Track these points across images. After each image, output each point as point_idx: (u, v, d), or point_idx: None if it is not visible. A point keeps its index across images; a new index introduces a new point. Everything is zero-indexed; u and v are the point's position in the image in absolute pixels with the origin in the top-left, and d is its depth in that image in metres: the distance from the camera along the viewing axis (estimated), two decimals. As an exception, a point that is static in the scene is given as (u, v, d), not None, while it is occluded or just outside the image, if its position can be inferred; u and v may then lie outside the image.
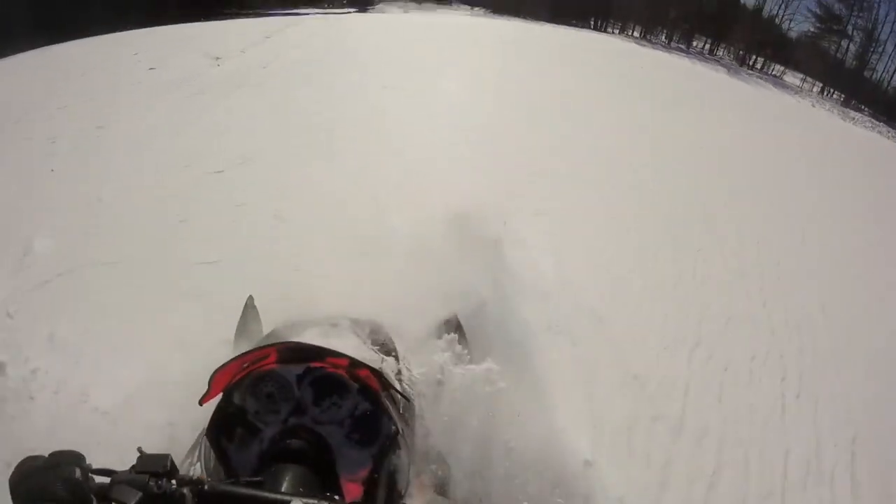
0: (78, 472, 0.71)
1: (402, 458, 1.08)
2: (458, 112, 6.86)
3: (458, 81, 8.60)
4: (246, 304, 1.84)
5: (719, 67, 22.20)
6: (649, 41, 24.40)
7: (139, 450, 0.77)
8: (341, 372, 1.08)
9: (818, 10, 24.77)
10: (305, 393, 1.08)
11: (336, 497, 0.81)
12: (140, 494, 0.71)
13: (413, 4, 24.61)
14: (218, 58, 9.05)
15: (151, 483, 0.73)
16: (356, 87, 7.75)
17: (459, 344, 1.75)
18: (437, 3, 24.50)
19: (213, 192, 4.30)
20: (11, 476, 0.72)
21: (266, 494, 0.79)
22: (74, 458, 0.73)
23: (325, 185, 3.90)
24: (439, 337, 1.77)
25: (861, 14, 24.51)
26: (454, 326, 1.91)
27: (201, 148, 5.19)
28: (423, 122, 6.31)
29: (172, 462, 0.77)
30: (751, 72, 24.07)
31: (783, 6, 24.59)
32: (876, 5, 23.57)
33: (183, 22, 12.77)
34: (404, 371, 1.36)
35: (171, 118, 6.06)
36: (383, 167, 4.53)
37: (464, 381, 1.52)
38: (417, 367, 1.50)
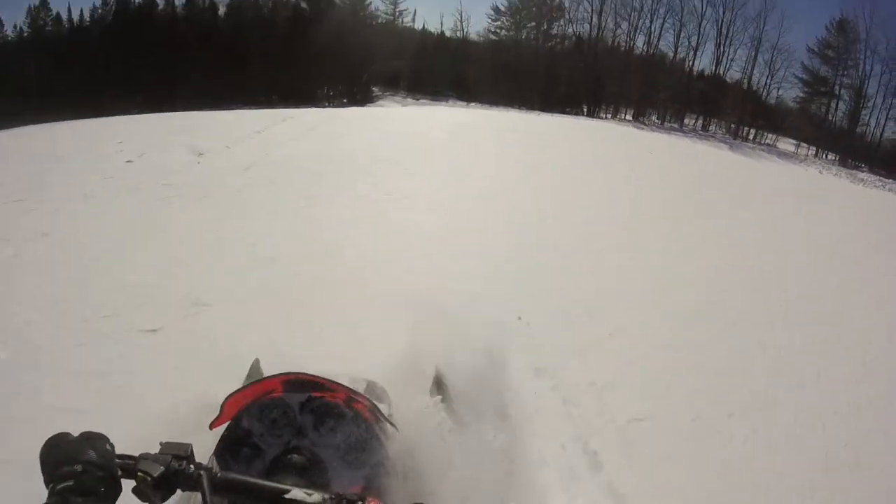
0: (108, 447, 0.76)
1: (390, 480, 1.17)
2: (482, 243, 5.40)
3: (472, 190, 7.56)
4: (252, 365, 1.77)
5: (720, 144, 22.44)
6: (643, 123, 24.93)
7: (161, 443, 0.84)
8: (339, 401, 1.20)
9: (804, 75, 25.65)
10: (306, 419, 1.18)
11: (333, 493, 0.85)
12: (163, 469, 0.79)
13: (410, 100, 25.49)
14: (201, 153, 8.36)
15: (174, 462, 0.81)
16: (350, 196, 6.58)
17: (443, 402, 1.75)
18: (433, 99, 25.39)
19: (132, 363, 2.92)
20: (42, 449, 0.75)
21: (270, 483, 0.88)
22: (102, 437, 0.78)
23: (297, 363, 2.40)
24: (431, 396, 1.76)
25: (846, 72, 25.12)
26: (437, 384, 1.92)
27: (141, 286, 3.85)
28: (441, 259, 4.69)
29: (192, 450, 0.84)
30: (750, 144, 24.31)
31: (769, 76, 25.47)
32: (861, 61, 24.10)
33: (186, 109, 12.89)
34: (395, 414, 1.43)
35: (123, 234, 4.86)
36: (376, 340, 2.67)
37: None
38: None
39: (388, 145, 10.21)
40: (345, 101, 26.87)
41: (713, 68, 25.96)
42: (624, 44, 26.44)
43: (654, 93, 25.19)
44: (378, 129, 12.49)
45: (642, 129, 22.85)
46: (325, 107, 25.46)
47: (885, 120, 24.52)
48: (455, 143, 11.64)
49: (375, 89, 26.85)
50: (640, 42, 26.55)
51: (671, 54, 26.21)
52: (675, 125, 25.09)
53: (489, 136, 13.33)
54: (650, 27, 26.25)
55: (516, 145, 12.50)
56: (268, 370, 1.57)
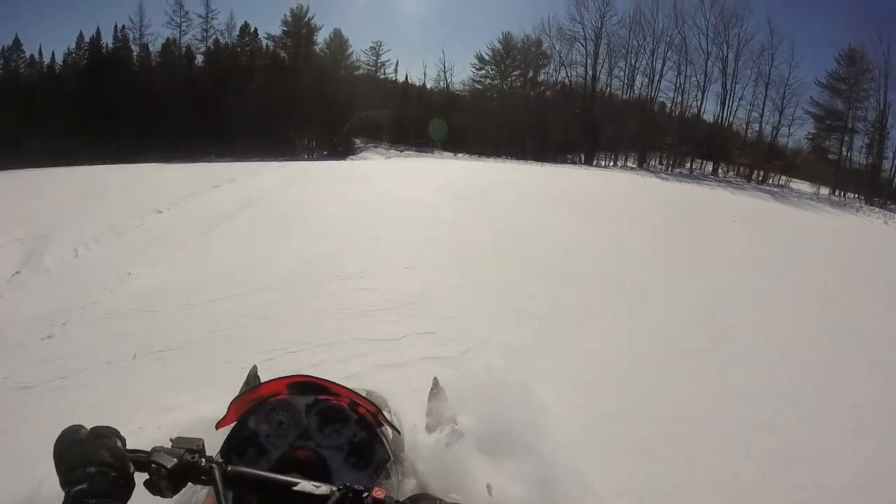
0: (119, 443, 0.77)
1: (391, 483, 1.19)
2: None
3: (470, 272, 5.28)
4: (250, 372, 1.73)
5: (744, 188, 20.82)
6: (649, 170, 23.13)
7: (172, 439, 0.85)
8: (344, 404, 1.20)
9: (815, 111, 23.99)
10: (312, 421, 1.18)
11: (341, 485, 0.85)
12: (176, 460, 0.79)
13: (394, 151, 23.72)
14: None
15: (187, 455, 0.81)
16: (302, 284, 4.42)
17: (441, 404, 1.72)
18: (418, 151, 23.65)
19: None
20: (56, 444, 0.77)
21: (279, 477, 0.88)
22: (113, 432, 0.79)
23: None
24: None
25: (860, 104, 23.25)
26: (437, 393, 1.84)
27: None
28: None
29: (204, 445, 0.84)
30: (772, 188, 22.49)
31: (779, 113, 23.78)
32: (880, 91, 22.27)
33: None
34: (395, 421, 1.40)
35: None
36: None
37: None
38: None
39: (371, 236, 6.52)
40: (325, 153, 25.11)
41: (719, 109, 24.38)
42: (623, 86, 24.95)
43: (657, 137, 23.49)
44: (354, 196, 9.79)
45: (647, 175, 20.99)
46: (304, 159, 23.69)
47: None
48: (472, 219, 8.21)
49: (357, 140, 25.11)
50: (640, 83, 25.08)
51: (674, 95, 24.68)
52: (685, 171, 23.28)
53: (507, 198, 10.79)
54: (651, 67, 24.79)
55: (553, 215, 9.40)
56: (265, 376, 1.48)
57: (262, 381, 1.32)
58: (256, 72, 28.93)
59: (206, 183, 10.23)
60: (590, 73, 25.01)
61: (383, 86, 27.26)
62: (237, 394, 1.22)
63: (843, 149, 23.33)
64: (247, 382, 1.66)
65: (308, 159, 23.96)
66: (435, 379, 1.90)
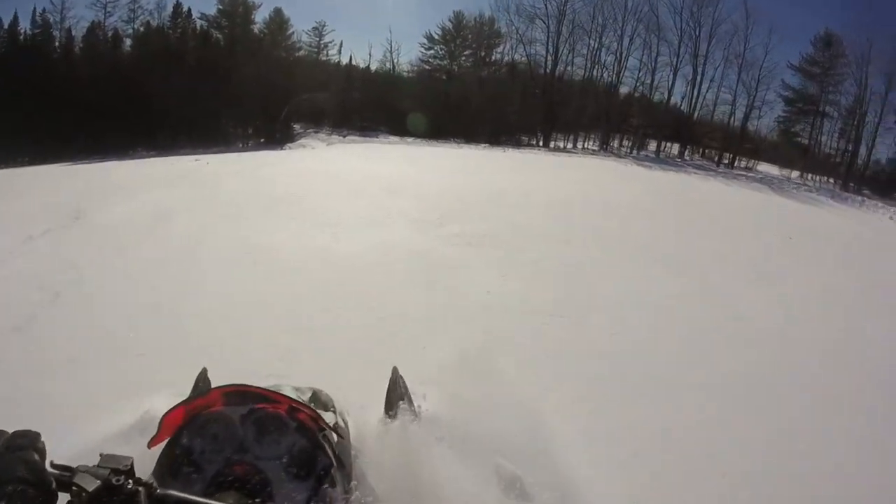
0: (37, 456, 0.73)
1: (336, 490, 1.14)
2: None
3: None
4: (198, 375, 1.63)
5: (714, 174, 19.61)
6: (613, 152, 21.56)
7: (101, 455, 0.80)
8: (282, 412, 1.15)
9: (787, 93, 23.01)
10: (248, 432, 1.13)
11: None
12: (99, 483, 0.74)
13: (336, 137, 21.46)
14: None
15: (111, 476, 0.76)
16: None
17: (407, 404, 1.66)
18: (362, 135, 21.48)
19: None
20: None
21: (210, 502, 0.83)
22: (33, 440, 0.74)
23: None
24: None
25: (833, 89, 22.71)
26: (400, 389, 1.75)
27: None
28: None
29: (133, 464, 0.79)
30: (738, 172, 21.45)
31: (752, 97, 22.50)
32: (857, 74, 21.48)
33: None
34: (340, 423, 1.39)
35: None
36: None
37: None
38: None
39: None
40: (262, 140, 22.67)
41: (689, 90, 22.99)
42: (586, 65, 23.23)
43: (622, 119, 21.91)
44: (257, 247, 5.43)
45: (648, 166, 19.36)
46: (238, 149, 21.32)
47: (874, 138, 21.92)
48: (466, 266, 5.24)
49: (297, 126, 22.77)
50: (606, 62, 23.40)
51: (641, 75, 23.14)
52: (650, 153, 21.81)
53: (488, 208, 7.91)
54: (620, 45, 23.15)
55: (569, 248, 6.39)
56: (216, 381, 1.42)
57: (213, 385, 1.27)
58: (188, 55, 26.33)
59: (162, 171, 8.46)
60: (551, 51, 23.29)
61: (326, 68, 24.98)
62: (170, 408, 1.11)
63: (814, 133, 22.72)
64: (195, 387, 1.54)
65: (243, 149, 21.54)
66: (394, 368, 1.80)
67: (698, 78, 22.36)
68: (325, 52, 25.78)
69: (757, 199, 16.51)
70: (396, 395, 1.68)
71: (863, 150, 22.20)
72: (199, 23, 27.26)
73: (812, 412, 3.10)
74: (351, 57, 25.80)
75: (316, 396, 1.45)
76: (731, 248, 7.53)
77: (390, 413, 1.58)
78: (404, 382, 1.76)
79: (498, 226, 6.99)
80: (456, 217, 7.24)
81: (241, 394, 1.16)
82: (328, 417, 1.28)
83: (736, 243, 8.06)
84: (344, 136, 21.32)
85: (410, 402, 1.68)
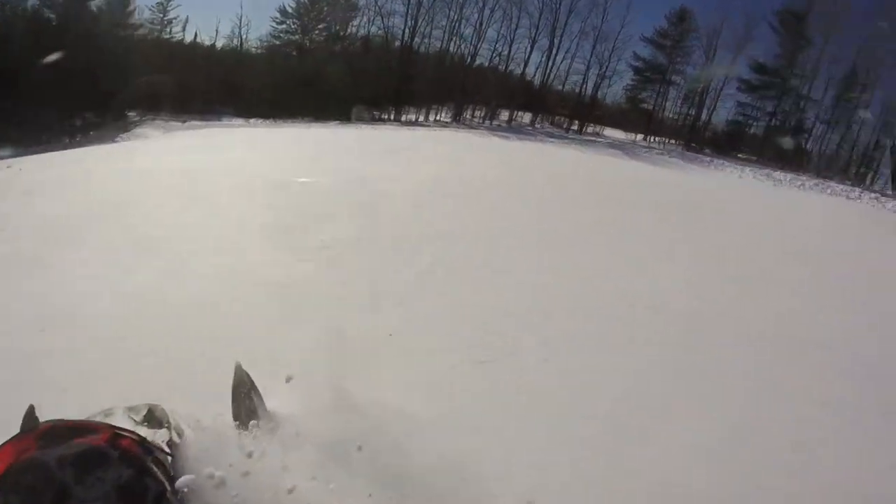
0: None
1: None
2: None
3: None
4: (26, 413, 1.30)
5: (567, 141, 20.30)
6: (466, 124, 21.57)
7: None
8: (102, 443, 1.08)
9: (637, 64, 24.01)
10: (67, 474, 1.02)
11: None
12: None
13: (176, 123, 20.05)
14: None
15: None
16: None
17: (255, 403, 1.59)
18: (203, 119, 20.19)
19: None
20: None
21: None
22: None
23: None
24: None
25: (680, 59, 24.22)
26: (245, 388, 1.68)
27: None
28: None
29: None
30: (587, 137, 22.22)
31: (605, 67, 23.18)
32: (707, 46, 23.05)
33: None
34: (175, 438, 1.30)
35: None
36: None
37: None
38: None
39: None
40: (91, 133, 20.81)
41: (544, 60, 23.39)
42: (443, 36, 22.86)
43: (477, 91, 21.89)
44: None
45: (506, 137, 19.47)
46: (65, 145, 19.45)
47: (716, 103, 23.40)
48: None
49: (133, 114, 21.06)
50: (468, 34, 23.12)
51: (499, 47, 23.14)
52: (503, 123, 22.06)
53: (353, 209, 6.80)
54: (480, 17, 22.93)
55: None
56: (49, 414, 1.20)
57: (42, 420, 1.15)
58: (11, 39, 23.47)
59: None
60: (409, 24, 22.65)
61: (169, 47, 23.10)
62: None
63: (660, 99, 24.51)
64: (22, 427, 1.32)
65: (70, 145, 19.66)
66: (238, 365, 1.66)
67: (554, 50, 22.93)
68: (168, 29, 23.77)
69: (615, 165, 17.07)
70: (243, 395, 1.55)
71: (704, 114, 24.01)
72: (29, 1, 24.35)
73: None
74: (196, 34, 23.99)
75: (151, 413, 1.36)
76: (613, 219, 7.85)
77: (239, 421, 1.45)
78: (251, 379, 1.61)
79: (367, 228, 6.04)
80: (315, 221, 6.13)
81: (55, 432, 1.07)
82: (162, 435, 1.20)
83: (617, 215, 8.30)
84: (184, 122, 19.93)
85: (260, 400, 1.55)
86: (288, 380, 1.98)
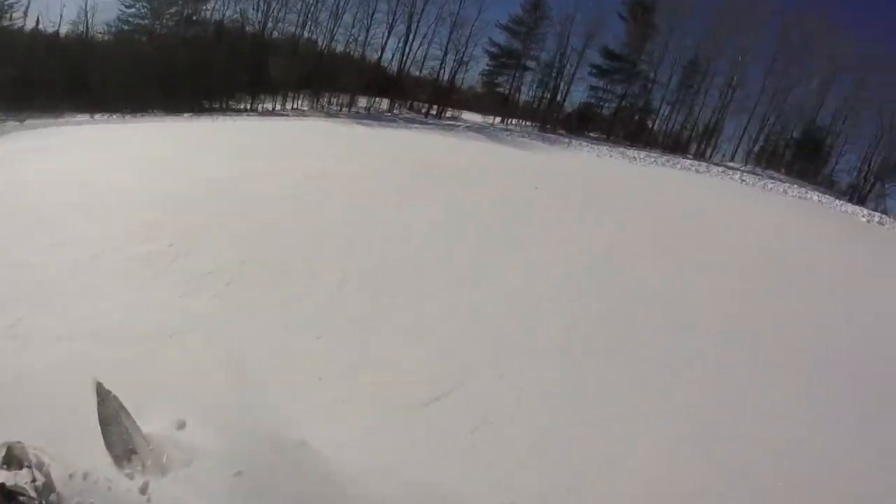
0: None
1: None
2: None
3: None
4: None
5: (429, 126, 21.31)
6: (324, 111, 21.87)
7: None
8: None
9: (493, 49, 24.77)
10: None
11: None
12: None
13: (12, 124, 19.21)
14: None
15: None
16: None
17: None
18: (45, 118, 19.42)
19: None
20: None
21: None
22: None
23: None
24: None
25: (536, 46, 25.62)
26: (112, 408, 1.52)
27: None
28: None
29: None
30: (446, 122, 23.15)
31: (462, 53, 23.77)
32: (560, 32, 24.36)
33: None
34: (39, 476, 1.28)
35: None
36: None
37: None
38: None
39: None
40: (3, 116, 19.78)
41: (401, 47, 23.73)
42: (298, 21, 22.65)
43: (335, 78, 22.07)
44: None
45: (369, 125, 19.88)
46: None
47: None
48: None
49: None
50: (324, 18, 22.93)
51: (356, 33, 23.15)
52: (362, 111, 22.53)
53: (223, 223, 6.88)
54: (335, 3, 22.77)
55: None
56: None
57: None
58: None
59: None
60: (262, 7, 22.24)
61: (9, 36, 21.70)
62: None
63: (515, 83, 25.98)
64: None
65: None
66: (98, 384, 1.53)
67: (411, 36, 23.26)
68: (8, 15, 22.19)
69: (488, 151, 17.81)
70: (111, 419, 1.35)
71: (559, 97, 25.30)
72: None
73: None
74: (38, 20, 22.54)
75: (10, 453, 1.24)
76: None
77: (115, 456, 1.25)
78: (117, 400, 1.44)
79: (248, 250, 5.93)
80: (181, 246, 5.68)
81: None
82: (23, 475, 1.10)
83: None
84: (23, 122, 19.20)
85: (134, 426, 1.38)
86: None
